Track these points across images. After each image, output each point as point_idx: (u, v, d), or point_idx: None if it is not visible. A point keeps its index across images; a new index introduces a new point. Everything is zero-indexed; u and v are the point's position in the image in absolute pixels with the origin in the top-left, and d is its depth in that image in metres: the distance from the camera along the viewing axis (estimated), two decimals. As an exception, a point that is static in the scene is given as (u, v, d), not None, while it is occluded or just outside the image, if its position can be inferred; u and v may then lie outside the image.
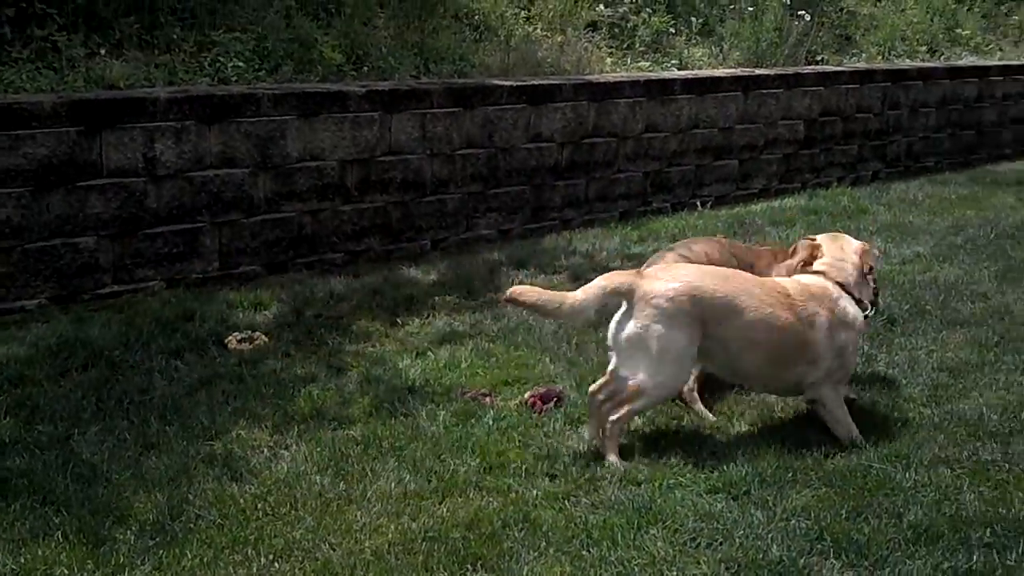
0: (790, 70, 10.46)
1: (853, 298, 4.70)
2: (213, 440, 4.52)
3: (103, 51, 6.96)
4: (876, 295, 5.05)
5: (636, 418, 4.67)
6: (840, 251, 4.85)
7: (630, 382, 4.42)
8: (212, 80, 7.15)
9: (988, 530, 3.90)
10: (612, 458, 4.41)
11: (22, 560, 3.57)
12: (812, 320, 4.54)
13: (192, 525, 3.84)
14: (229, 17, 7.75)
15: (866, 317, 4.80)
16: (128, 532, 3.78)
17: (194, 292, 6.41)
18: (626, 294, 4.44)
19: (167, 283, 6.49)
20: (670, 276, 4.53)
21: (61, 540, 3.69)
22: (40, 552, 3.61)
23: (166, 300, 6.22)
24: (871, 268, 4.90)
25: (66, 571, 3.52)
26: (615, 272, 4.75)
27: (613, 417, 4.43)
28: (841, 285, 4.68)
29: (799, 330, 4.53)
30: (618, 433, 4.46)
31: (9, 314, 5.91)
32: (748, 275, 4.77)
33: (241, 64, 7.37)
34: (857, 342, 4.80)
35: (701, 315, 4.42)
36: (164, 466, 4.25)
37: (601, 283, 4.50)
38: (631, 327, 4.40)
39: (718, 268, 4.80)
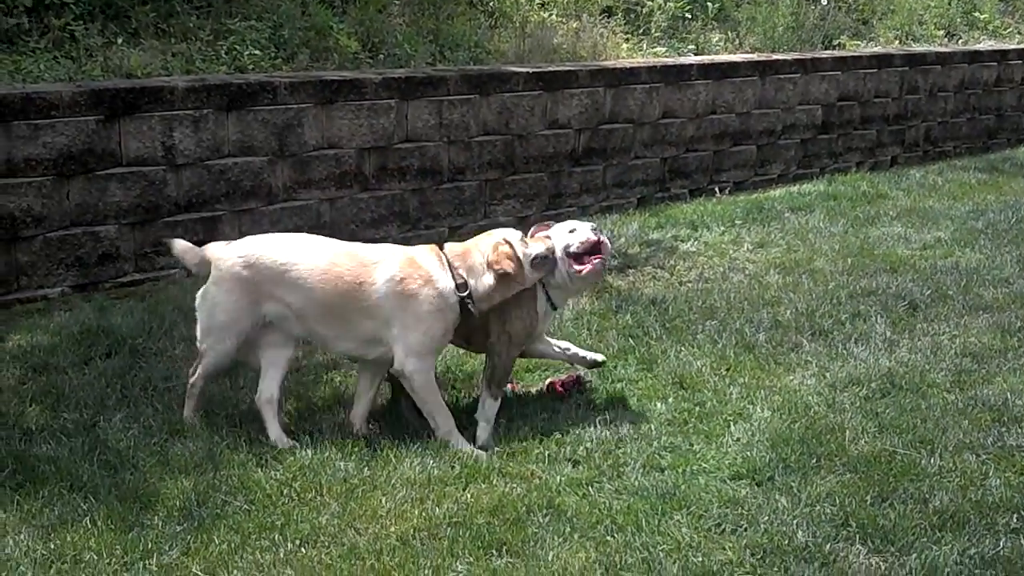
0: (807, 55, 10.40)
1: None
2: (237, 427, 4.53)
3: (120, 40, 6.98)
4: None
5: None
6: None
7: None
8: (229, 68, 7.15)
9: (1015, 516, 3.89)
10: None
11: (52, 546, 3.59)
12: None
13: (219, 511, 3.86)
14: (244, 6, 7.76)
15: None
16: (156, 518, 3.80)
17: (214, 280, 6.41)
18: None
19: (187, 271, 6.49)
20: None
21: (90, 526, 3.71)
22: (69, 538, 3.63)
23: (187, 288, 6.20)
24: None
25: (95, 557, 3.53)
26: None
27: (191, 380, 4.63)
28: None
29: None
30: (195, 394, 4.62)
31: (32, 302, 5.94)
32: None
33: (258, 52, 7.38)
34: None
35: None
36: (190, 452, 4.27)
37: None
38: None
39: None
